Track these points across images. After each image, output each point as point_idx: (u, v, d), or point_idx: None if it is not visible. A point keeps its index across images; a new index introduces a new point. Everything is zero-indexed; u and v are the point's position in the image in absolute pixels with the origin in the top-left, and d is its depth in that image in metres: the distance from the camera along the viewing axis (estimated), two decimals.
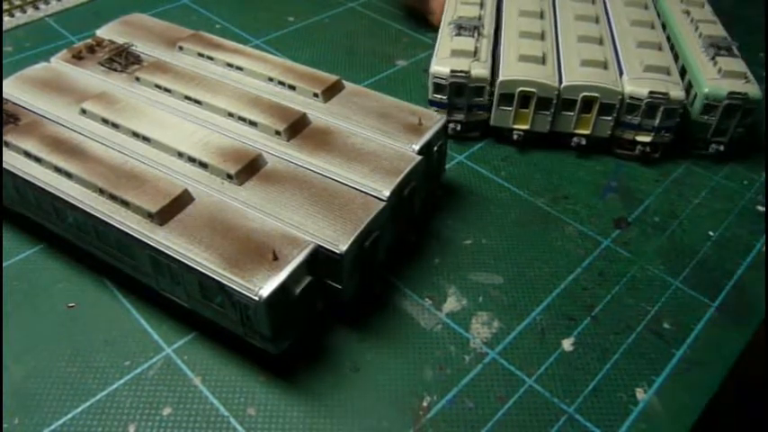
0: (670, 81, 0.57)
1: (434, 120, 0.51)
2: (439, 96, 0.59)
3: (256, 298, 0.38)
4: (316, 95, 0.52)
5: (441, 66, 0.58)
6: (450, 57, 0.59)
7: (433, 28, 0.74)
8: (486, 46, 0.60)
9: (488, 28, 0.63)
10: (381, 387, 0.42)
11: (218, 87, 0.52)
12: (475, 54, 0.59)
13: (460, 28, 0.62)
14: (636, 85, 0.57)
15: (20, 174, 0.45)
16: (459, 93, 0.58)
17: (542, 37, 0.62)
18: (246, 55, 0.56)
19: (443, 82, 0.58)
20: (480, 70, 0.58)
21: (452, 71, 0.57)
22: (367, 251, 0.43)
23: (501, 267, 0.50)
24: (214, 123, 0.50)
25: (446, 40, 0.61)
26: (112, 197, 0.43)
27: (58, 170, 0.45)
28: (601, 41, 0.62)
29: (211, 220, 0.42)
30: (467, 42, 0.60)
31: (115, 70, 0.55)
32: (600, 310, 0.47)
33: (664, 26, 0.67)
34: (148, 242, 0.41)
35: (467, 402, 0.41)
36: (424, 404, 0.41)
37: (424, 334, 0.45)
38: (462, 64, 0.58)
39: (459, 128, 0.60)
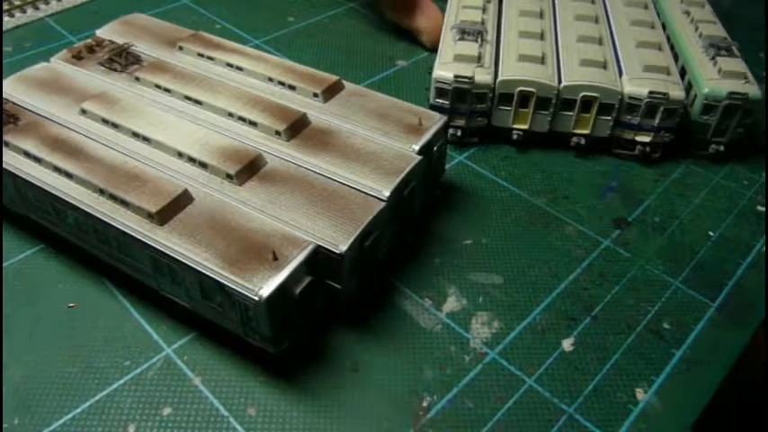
0: (670, 81, 0.57)
1: (434, 120, 0.51)
2: (441, 101, 0.58)
3: (256, 298, 0.38)
4: (316, 95, 0.52)
5: (444, 70, 0.57)
6: (454, 62, 0.58)
7: (426, 48, 0.73)
8: (489, 52, 0.60)
9: (491, 33, 0.63)
10: (381, 387, 0.42)
11: (218, 87, 0.52)
12: (479, 60, 0.58)
13: (464, 32, 0.61)
14: (635, 85, 0.57)
15: (20, 174, 0.45)
16: (462, 98, 0.58)
17: (542, 37, 0.62)
18: (246, 55, 0.56)
19: (446, 87, 0.57)
20: (484, 76, 0.57)
21: (456, 76, 0.57)
22: (367, 251, 0.43)
23: (501, 267, 0.50)
24: (214, 123, 0.50)
25: (449, 45, 0.61)
26: (112, 197, 0.43)
27: (57, 170, 0.45)
28: (600, 41, 0.62)
29: (211, 221, 0.42)
30: (470, 47, 0.59)
31: (115, 70, 0.55)
32: (600, 310, 0.47)
33: (664, 26, 0.67)
34: (148, 242, 0.41)
35: (467, 402, 0.41)
36: (424, 404, 0.41)
37: (424, 334, 0.45)
38: (466, 69, 0.57)
39: (459, 133, 0.60)
